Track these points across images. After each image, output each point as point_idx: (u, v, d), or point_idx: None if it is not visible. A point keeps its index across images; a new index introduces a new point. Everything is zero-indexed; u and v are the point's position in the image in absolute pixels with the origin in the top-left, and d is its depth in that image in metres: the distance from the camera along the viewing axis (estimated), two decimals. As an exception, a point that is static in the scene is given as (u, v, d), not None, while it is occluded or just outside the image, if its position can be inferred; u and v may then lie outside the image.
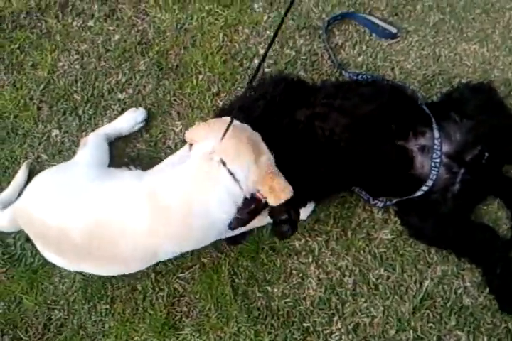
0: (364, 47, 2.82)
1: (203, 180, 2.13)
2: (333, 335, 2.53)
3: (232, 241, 2.58)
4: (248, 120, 2.21)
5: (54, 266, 2.48)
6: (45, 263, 2.56)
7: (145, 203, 2.18)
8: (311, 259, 2.61)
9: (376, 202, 2.46)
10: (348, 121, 2.26)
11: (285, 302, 2.58)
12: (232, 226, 2.21)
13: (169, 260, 2.59)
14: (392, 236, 2.56)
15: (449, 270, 2.51)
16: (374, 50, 2.82)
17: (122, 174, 2.43)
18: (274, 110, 2.35)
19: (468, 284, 2.49)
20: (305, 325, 2.55)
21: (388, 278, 2.54)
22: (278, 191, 2.11)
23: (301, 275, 2.60)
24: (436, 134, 2.29)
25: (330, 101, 2.33)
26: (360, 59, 2.84)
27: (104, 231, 2.21)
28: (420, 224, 2.38)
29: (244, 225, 2.24)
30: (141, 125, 2.80)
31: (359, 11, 2.83)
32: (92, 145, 2.61)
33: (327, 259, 2.60)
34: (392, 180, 2.35)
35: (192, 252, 2.60)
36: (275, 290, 2.60)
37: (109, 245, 2.22)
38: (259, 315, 2.56)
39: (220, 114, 2.44)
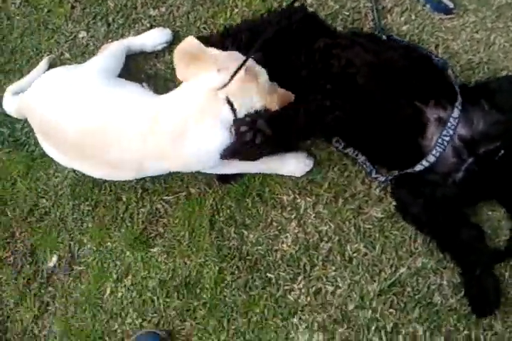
0: (413, 17, 2.19)
1: (204, 111, 1.80)
2: (293, 293, 2.10)
3: (223, 179, 2.18)
4: (252, 42, 1.77)
5: (51, 159, 2.17)
6: (45, 155, 2.21)
7: (146, 117, 1.86)
8: (294, 216, 2.14)
9: (378, 175, 1.98)
10: (371, 59, 1.78)
11: (256, 250, 2.15)
12: (223, 154, 1.83)
13: (158, 181, 2.26)
14: (382, 216, 2.06)
15: (429, 264, 2.01)
16: (423, 21, 2.17)
17: (132, 87, 2.07)
18: (287, 38, 1.88)
19: (444, 282, 2.00)
20: (269, 275, 2.12)
21: (365, 254, 2.06)
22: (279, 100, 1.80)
23: (279, 228, 2.15)
24: (456, 114, 1.80)
25: (355, 38, 1.87)
26: (405, 28, 2.19)
27: (99, 134, 1.89)
28: (411, 200, 1.90)
29: (234, 156, 1.82)
30: (164, 45, 2.31)
31: None
32: (110, 53, 2.19)
33: (310, 220, 2.13)
34: (398, 142, 1.86)
35: (182, 180, 2.25)
36: (250, 235, 2.17)
37: (101, 148, 1.91)
38: (229, 254, 2.17)
39: (223, 34, 2.01)
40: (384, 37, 2.05)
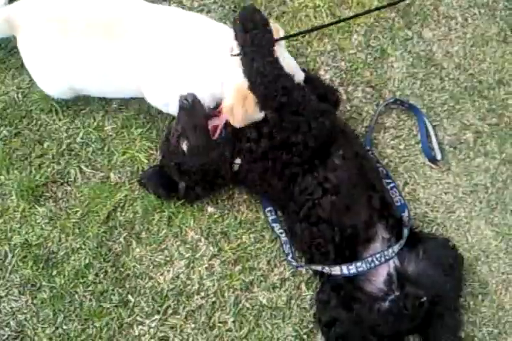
0: (402, 146, 1.84)
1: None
2: (140, 327, 1.67)
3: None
4: None
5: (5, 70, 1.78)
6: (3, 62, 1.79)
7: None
8: (188, 256, 1.74)
9: (293, 261, 1.62)
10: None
11: (134, 266, 1.73)
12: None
13: (87, 148, 1.81)
14: (266, 304, 1.68)
15: None
16: (408, 156, 1.83)
17: None
18: None
19: None
20: (129, 297, 1.70)
21: (229, 330, 1.66)
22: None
23: (168, 259, 1.74)
24: (396, 249, 1.53)
25: None
26: (388, 151, 1.84)
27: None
28: (340, 314, 1.51)
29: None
30: None
31: (432, 119, 1.83)
32: None
33: (199, 269, 1.72)
34: (336, 240, 1.50)
35: (109, 161, 1.80)
36: (137, 250, 1.74)
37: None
38: (106, 254, 1.74)
39: None
40: (367, 147, 1.74)
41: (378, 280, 1.54)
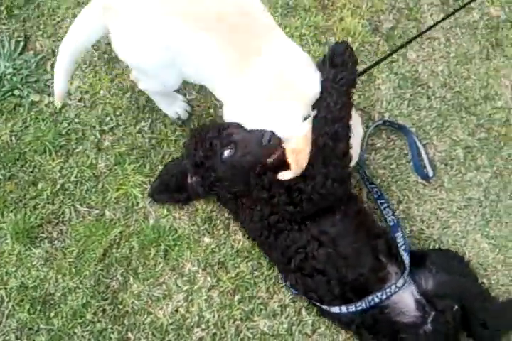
0: (393, 165, 1.89)
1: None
2: None
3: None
4: None
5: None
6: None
7: None
8: (186, 288, 1.76)
9: (292, 288, 1.64)
10: None
11: (132, 302, 1.74)
12: None
13: (82, 187, 1.84)
14: (268, 331, 1.69)
15: None
16: (400, 175, 1.88)
17: None
18: None
19: None
20: (129, 335, 1.70)
21: None
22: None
23: (166, 293, 1.75)
24: (400, 282, 1.52)
25: None
26: (380, 171, 1.88)
27: None
28: None
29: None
30: None
31: (421, 138, 1.89)
32: None
33: (198, 301, 1.74)
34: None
35: (104, 198, 1.83)
36: (135, 285, 1.75)
37: None
38: (103, 292, 1.76)
39: None
40: (362, 173, 1.79)
41: (410, 309, 1.53)
